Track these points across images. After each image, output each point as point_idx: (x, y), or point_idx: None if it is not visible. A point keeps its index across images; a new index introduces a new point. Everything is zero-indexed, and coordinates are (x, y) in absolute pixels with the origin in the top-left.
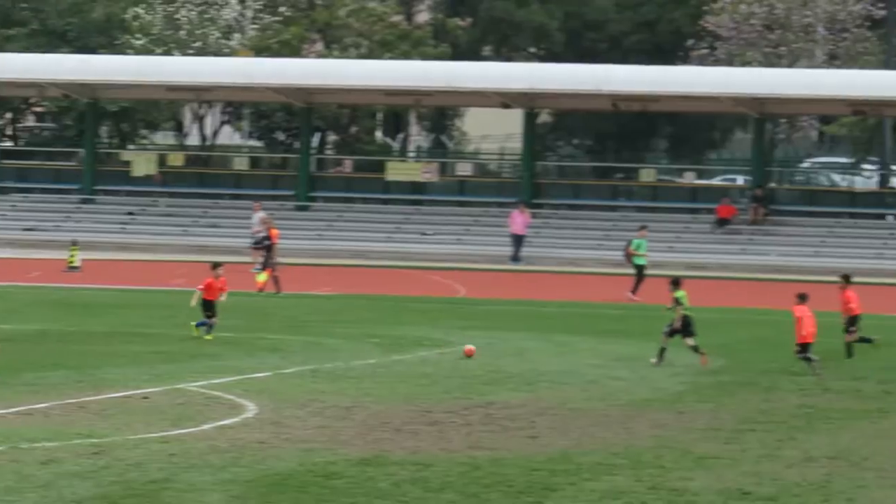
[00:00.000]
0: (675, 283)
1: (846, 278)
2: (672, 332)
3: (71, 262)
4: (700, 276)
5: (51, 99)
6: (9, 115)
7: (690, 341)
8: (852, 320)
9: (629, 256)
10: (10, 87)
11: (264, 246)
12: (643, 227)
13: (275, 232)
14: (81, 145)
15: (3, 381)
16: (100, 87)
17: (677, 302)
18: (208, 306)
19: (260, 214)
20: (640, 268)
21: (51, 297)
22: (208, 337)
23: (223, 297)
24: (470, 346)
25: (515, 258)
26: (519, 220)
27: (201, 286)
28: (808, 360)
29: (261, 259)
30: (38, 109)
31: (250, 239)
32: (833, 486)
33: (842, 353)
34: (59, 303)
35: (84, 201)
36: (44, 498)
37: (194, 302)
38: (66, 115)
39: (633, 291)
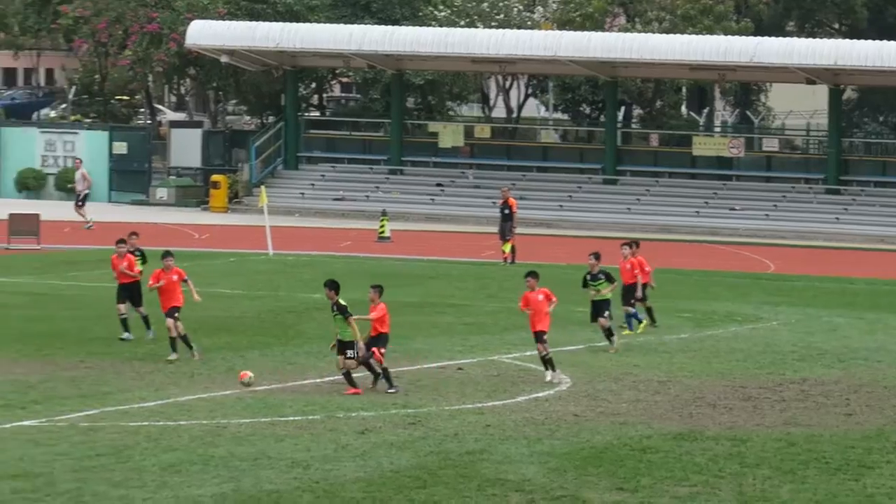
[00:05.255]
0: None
1: None
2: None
3: (381, 232)
4: None
5: (356, 70)
6: (313, 86)
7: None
8: None
9: None
10: (315, 57)
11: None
12: None
13: (513, 201)
14: (388, 117)
15: (315, 351)
16: (405, 58)
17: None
18: (628, 291)
19: (82, 171)
20: None
21: (362, 268)
22: (640, 328)
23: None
24: (245, 372)
25: None
26: None
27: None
28: None
29: (91, 218)
30: (344, 80)
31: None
32: None
33: None
34: (371, 273)
35: (392, 172)
36: (362, 467)
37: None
38: (371, 87)
39: None
